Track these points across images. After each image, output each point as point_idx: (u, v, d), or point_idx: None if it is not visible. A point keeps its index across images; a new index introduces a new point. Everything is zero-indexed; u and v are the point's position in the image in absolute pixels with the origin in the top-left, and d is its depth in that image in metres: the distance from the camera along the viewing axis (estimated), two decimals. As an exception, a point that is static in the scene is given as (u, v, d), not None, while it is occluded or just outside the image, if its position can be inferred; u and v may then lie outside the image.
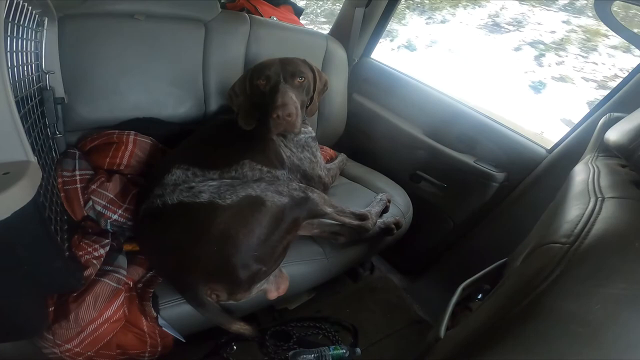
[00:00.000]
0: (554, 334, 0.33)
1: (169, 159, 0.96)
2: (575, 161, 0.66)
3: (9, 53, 0.57)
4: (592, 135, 0.71)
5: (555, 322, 0.33)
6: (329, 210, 0.94)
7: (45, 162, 0.79)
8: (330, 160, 1.36)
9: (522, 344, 0.34)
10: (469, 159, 1.23)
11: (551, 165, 1.08)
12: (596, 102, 1.05)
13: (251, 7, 1.58)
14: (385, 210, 1.15)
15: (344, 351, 1.01)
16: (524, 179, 1.14)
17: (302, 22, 1.90)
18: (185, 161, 0.92)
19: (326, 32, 1.61)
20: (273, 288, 0.91)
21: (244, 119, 1.02)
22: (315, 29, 2.96)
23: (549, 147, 1.12)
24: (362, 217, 1.02)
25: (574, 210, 0.42)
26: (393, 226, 1.10)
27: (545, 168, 1.09)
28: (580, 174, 0.55)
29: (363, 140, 1.56)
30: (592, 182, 0.48)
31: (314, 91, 1.07)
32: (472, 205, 1.25)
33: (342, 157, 1.39)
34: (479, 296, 0.74)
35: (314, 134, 1.15)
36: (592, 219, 0.38)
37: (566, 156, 1.04)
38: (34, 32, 0.81)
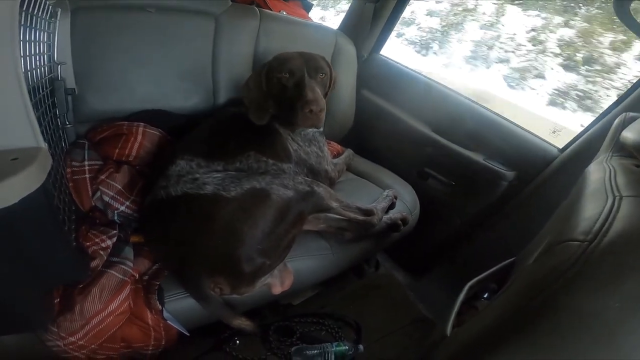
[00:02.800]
0: (571, 332, 0.32)
1: (173, 150, 0.96)
2: (588, 161, 0.64)
3: (22, 42, 0.57)
4: (607, 135, 0.69)
5: (572, 319, 0.33)
6: (334, 204, 0.94)
7: (55, 152, 0.79)
8: (337, 155, 1.36)
9: (536, 342, 0.34)
10: (478, 157, 1.22)
11: (563, 165, 1.06)
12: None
13: (260, 1, 1.57)
14: (391, 206, 1.14)
15: (347, 348, 1.01)
16: (534, 179, 1.12)
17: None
18: (189, 152, 0.92)
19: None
20: (277, 282, 0.91)
21: (257, 113, 1.01)
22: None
23: (560, 147, 1.11)
24: (368, 213, 1.02)
25: (592, 208, 0.41)
26: (400, 222, 1.09)
27: (556, 168, 1.07)
28: (595, 172, 0.54)
29: (371, 136, 1.55)
30: (609, 180, 0.47)
31: (328, 88, 1.07)
32: (480, 203, 1.23)
33: (348, 152, 1.39)
34: (486, 295, 0.73)
35: (321, 129, 1.14)
36: (611, 217, 0.37)
37: (578, 156, 1.03)
38: (47, 22, 0.81)
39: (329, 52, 1.40)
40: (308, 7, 1.81)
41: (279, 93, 1.00)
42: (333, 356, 0.99)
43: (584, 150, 1.02)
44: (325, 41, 1.40)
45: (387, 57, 1.57)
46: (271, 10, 1.51)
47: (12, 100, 0.43)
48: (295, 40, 1.32)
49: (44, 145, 0.48)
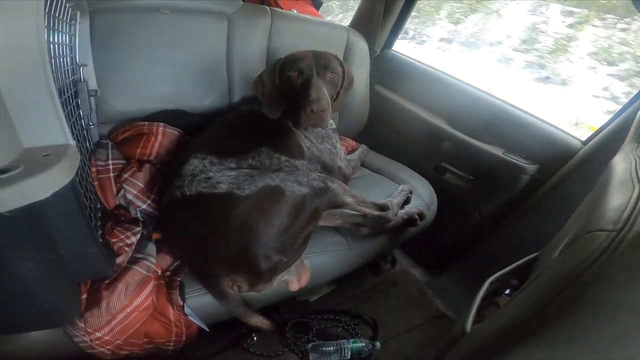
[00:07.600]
0: (600, 325, 0.31)
1: (187, 149, 0.97)
2: (612, 153, 0.62)
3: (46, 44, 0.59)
4: (631, 126, 0.67)
5: (602, 312, 0.32)
6: (349, 200, 0.94)
7: (80, 152, 0.81)
8: (351, 151, 1.36)
9: (564, 336, 0.33)
10: (497, 150, 1.19)
11: (586, 157, 1.03)
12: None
13: (271, 0, 1.59)
14: (406, 201, 1.13)
15: (363, 344, 1.01)
16: (557, 172, 1.09)
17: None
18: (202, 150, 0.92)
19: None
20: (294, 279, 0.91)
21: (269, 107, 1.02)
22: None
23: (584, 139, 1.07)
24: (383, 208, 1.01)
25: (619, 198, 0.39)
26: (416, 217, 1.08)
27: (580, 160, 1.04)
28: (621, 163, 0.53)
29: (386, 132, 1.54)
30: (636, 170, 0.46)
31: (340, 87, 1.07)
32: (500, 198, 1.21)
33: (363, 148, 1.38)
34: (507, 291, 0.72)
35: (334, 126, 1.14)
36: (639, 206, 0.36)
37: (602, 148, 0.99)
38: (68, 25, 0.83)
39: (340, 48, 1.39)
40: (318, 5, 1.81)
41: (288, 90, 1.01)
42: (349, 352, 0.99)
43: (607, 142, 0.98)
44: (336, 38, 1.40)
45: (399, 53, 1.55)
46: (281, 8, 1.52)
47: (44, 100, 0.46)
48: (306, 38, 1.32)
49: (72, 142, 0.50)
